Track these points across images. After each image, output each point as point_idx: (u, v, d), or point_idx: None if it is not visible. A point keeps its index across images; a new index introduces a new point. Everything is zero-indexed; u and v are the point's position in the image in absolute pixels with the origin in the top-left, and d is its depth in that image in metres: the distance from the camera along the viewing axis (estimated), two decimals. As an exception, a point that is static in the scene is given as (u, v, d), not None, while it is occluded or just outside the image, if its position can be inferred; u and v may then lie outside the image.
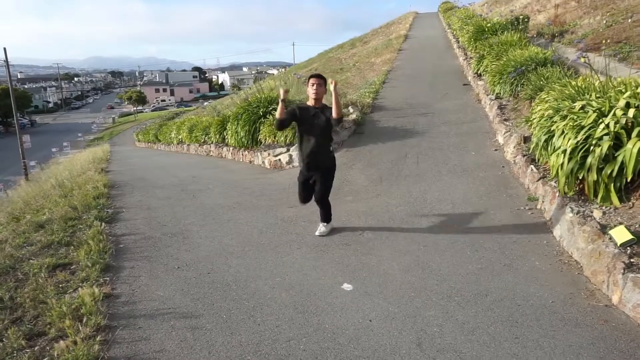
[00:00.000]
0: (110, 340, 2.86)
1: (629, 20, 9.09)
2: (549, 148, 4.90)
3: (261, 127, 9.62)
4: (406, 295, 3.28)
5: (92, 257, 4.11)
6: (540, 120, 5.36)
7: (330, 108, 4.15)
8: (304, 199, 4.61)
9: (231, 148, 11.13)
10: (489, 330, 2.78)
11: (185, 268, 4.00)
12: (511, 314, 2.96)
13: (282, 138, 8.72)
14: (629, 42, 8.53)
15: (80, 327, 2.91)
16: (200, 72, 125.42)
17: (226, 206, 5.97)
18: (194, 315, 3.15)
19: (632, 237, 3.21)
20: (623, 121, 3.80)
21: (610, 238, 3.38)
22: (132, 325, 3.04)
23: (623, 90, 4.33)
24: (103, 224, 5.12)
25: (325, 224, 4.66)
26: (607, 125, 3.85)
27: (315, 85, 4.18)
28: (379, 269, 3.75)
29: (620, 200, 3.81)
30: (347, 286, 3.49)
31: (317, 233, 4.61)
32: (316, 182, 4.46)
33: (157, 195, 6.88)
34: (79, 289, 3.51)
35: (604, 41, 7.10)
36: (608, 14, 12.08)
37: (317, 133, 4.22)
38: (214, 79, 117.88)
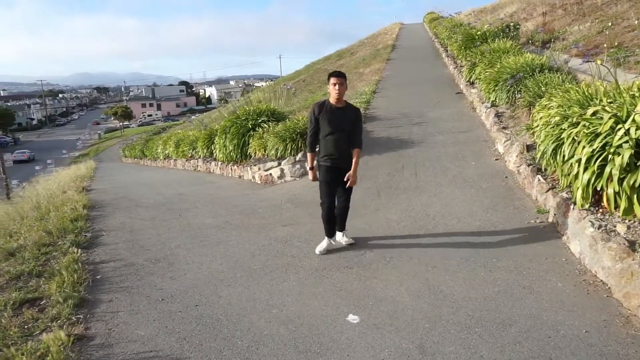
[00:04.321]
0: (79, 396, 2.44)
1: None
2: (558, 157, 4.62)
3: (250, 141, 9.25)
4: (420, 327, 2.92)
5: (65, 290, 3.67)
6: (545, 127, 5.09)
7: (358, 109, 4.26)
8: (329, 204, 4.24)
9: (219, 163, 10.72)
10: (521, 370, 2.43)
11: (170, 300, 3.58)
12: (542, 347, 2.61)
13: (272, 152, 8.35)
14: (622, 47, 8.39)
15: (45, 381, 2.49)
16: (187, 86, 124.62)
17: (215, 226, 5.56)
18: (179, 359, 2.74)
19: (668, 255, 2.89)
20: (644, 127, 3.52)
21: (642, 256, 3.07)
22: (107, 375, 2.62)
23: (637, 95, 4.08)
24: (79, 250, 4.68)
25: (345, 230, 4.45)
26: (627, 132, 3.56)
27: (337, 85, 4.03)
28: (387, 296, 3.38)
29: (645, 212, 3.51)
30: (352, 318, 3.11)
31: (344, 242, 4.42)
32: (338, 190, 4.23)
33: (141, 216, 6.44)
34: (47, 330, 3.08)
35: (605, 45, 6.90)
36: (597, 20, 12.03)
37: (342, 130, 4.09)
38: (201, 93, 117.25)
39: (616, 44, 8.04)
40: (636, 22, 8.68)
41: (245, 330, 3.04)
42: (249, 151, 9.30)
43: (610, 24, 9.54)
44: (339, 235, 4.46)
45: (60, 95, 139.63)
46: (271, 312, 3.27)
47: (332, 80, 4.04)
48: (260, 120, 9.44)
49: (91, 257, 4.65)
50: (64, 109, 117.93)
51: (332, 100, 4.12)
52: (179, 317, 3.28)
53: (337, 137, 4.08)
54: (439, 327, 2.90)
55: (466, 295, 3.29)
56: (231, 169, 9.93)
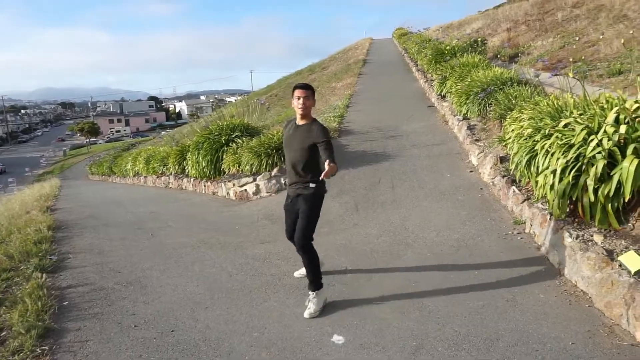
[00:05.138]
0: None
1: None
2: (532, 168, 4.70)
3: (224, 156, 9.09)
4: (408, 346, 2.84)
5: (28, 319, 3.42)
6: (519, 139, 5.19)
7: (320, 125, 3.46)
8: (286, 231, 3.83)
9: (192, 179, 10.47)
10: (512, 387, 2.38)
11: (143, 326, 3.39)
12: (531, 362, 2.58)
13: (247, 167, 8.21)
14: (585, 61, 8.74)
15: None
16: (157, 102, 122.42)
17: (189, 245, 5.37)
18: (155, 391, 2.57)
19: (646, 263, 2.94)
20: (615, 138, 3.62)
21: (621, 265, 3.11)
22: (76, 412, 2.42)
23: (605, 107, 4.20)
24: (44, 275, 4.40)
25: (312, 292, 3.41)
26: (600, 143, 3.65)
27: (301, 98, 3.42)
28: (371, 313, 3.30)
29: (619, 222, 3.59)
30: (337, 338, 3.01)
31: (305, 314, 3.34)
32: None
33: (110, 236, 6.16)
34: (8, 365, 2.84)
35: (571, 59, 7.16)
36: (559, 36, 12.55)
37: (295, 149, 3.48)
38: (171, 108, 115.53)
39: (582, 58, 8.36)
40: (601, 37, 9.05)
41: (225, 356, 2.89)
42: (222, 167, 9.12)
43: (577, 38, 9.94)
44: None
45: (22, 111, 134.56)
46: (252, 335, 3.13)
47: (297, 93, 3.44)
48: (233, 135, 9.30)
49: (57, 282, 4.38)
50: (27, 125, 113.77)
51: (297, 116, 3.54)
52: (154, 345, 3.10)
53: (289, 159, 3.56)
54: (426, 345, 2.84)
55: (451, 310, 3.25)
56: (204, 185, 9.71)
